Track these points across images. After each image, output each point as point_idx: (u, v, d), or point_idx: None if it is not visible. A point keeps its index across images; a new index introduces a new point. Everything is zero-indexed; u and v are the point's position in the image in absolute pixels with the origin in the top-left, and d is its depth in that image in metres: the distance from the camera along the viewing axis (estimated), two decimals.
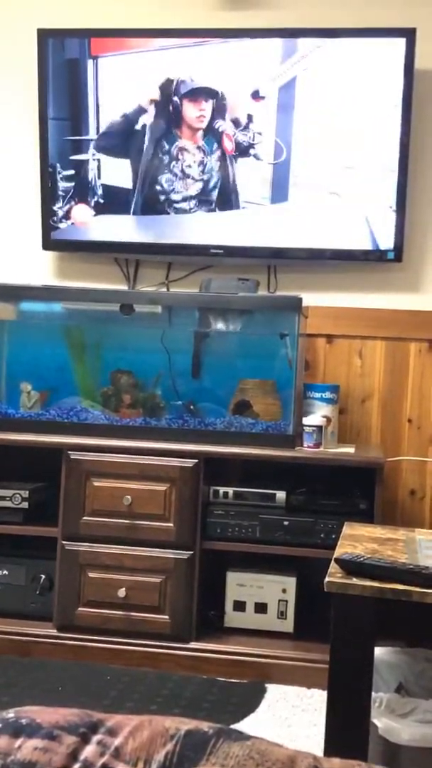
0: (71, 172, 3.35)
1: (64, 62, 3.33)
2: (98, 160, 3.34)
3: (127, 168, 3.31)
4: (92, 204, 3.34)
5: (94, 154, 3.35)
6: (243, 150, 3.21)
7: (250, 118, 3.20)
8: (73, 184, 3.34)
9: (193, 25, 3.27)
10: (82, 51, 3.33)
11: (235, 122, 3.21)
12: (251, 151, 3.21)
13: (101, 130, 3.32)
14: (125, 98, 3.31)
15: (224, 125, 3.21)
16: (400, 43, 3.07)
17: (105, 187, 3.34)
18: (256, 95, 3.18)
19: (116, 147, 3.32)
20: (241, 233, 3.24)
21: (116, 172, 3.33)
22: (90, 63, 3.34)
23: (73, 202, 3.35)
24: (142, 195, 3.30)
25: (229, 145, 3.22)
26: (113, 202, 3.34)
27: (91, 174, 3.36)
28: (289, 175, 3.19)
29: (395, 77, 3.09)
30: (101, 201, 3.34)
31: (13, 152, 3.49)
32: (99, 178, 3.34)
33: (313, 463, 2.92)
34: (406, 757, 1.83)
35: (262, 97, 3.18)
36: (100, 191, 3.34)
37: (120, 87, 3.32)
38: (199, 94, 3.24)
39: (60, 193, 3.35)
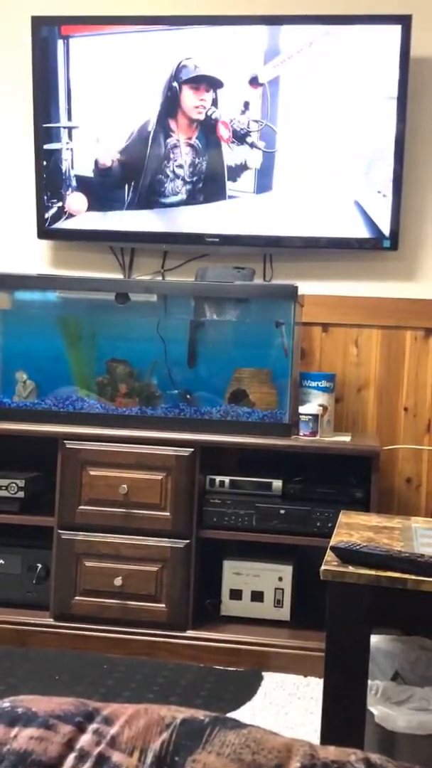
0: (42, 163, 3.29)
1: (33, 42, 3.22)
2: (71, 150, 3.27)
3: (112, 159, 3.25)
4: (66, 197, 3.29)
5: (67, 143, 3.27)
6: (239, 138, 3.19)
7: (246, 105, 3.18)
8: (43, 176, 3.28)
9: (185, 11, 3.25)
10: (50, 30, 3.23)
11: (231, 110, 3.18)
12: (248, 139, 3.19)
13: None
14: (102, 82, 3.22)
15: (219, 112, 3.19)
16: (396, 30, 3.06)
17: (79, 178, 3.26)
18: (254, 82, 3.16)
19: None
20: (236, 222, 3.23)
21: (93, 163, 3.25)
22: (60, 43, 3.23)
23: (45, 196, 3.30)
24: (131, 190, 3.25)
25: (224, 133, 3.19)
26: (92, 196, 3.28)
27: (65, 165, 3.27)
28: (284, 164, 3.18)
29: (391, 65, 3.07)
30: (75, 194, 3.27)
31: (8, 139, 3.47)
32: (72, 168, 3.28)
33: (310, 451, 2.92)
34: (402, 745, 1.84)
35: (261, 84, 3.15)
36: (74, 183, 3.28)
37: (96, 70, 3.21)
38: (201, 81, 3.18)
39: None
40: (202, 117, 3.19)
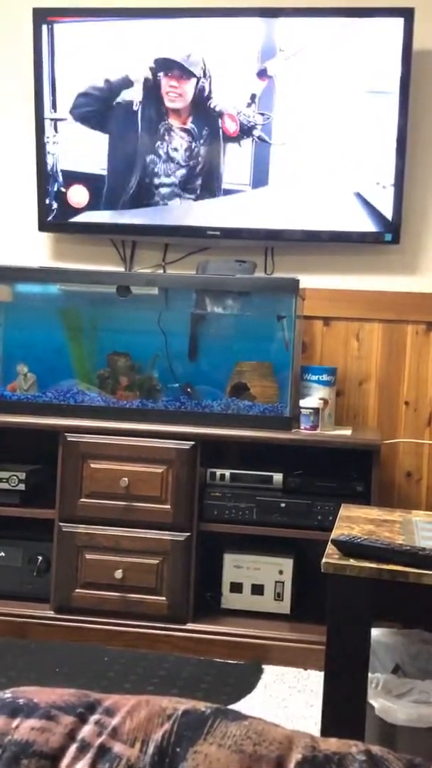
0: (42, 155, 3.24)
1: (35, 34, 3.17)
2: (56, 143, 3.20)
3: (102, 152, 3.21)
4: (53, 196, 3.26)
5: (54, 135, 3.22)
6: (246, 131, 3.17)
7: (253, 97, 3.16)
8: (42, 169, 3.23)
9: (185, 4, 3.24)
10: (34, 14, 3.15)
11: (235, 102, 3.16)
12: (254, 132, 3.17)
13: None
14: (89, 72, 3.17)
15: (223, 105, 3.17)
16: (398, 23, 3.05)
17: (66, 173, 3.22)
18: (262, 74, 3.14)
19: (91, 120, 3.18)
20: (237, 215, 3.22)
21: (86, 156, 3.18)
22: (45, 29, 3.16)
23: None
24: (127, 187, 3.21)
25: (231, 126, 3.18)
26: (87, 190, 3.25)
27: (51, 159, 3.22)
28: (285, 156, 3.17)
29: (393, 57, 3.06)
30: (62, 190, 3.23)
31: (8, 132, 3.46)
32: (59, 162, 3.22)
33: (310, 445, 2.92)
34: (402, 737, 1.84)
35: (270, 77, 3.14)
36: (60, 178, 3.24)
37: (83, 58, 3.16)
38: (173, 69, 3.12)
39: None
40: (179, 105, 3.14)
